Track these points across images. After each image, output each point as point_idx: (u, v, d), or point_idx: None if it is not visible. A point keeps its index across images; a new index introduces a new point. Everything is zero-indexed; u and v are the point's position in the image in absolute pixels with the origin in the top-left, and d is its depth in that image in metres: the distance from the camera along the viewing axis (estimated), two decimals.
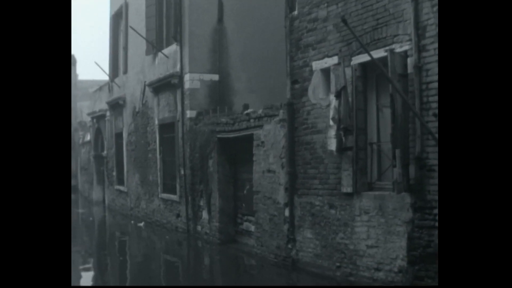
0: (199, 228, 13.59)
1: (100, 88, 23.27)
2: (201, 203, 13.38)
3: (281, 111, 10.44)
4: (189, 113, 13.89)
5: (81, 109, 35.16)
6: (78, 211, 22.26)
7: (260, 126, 10.99)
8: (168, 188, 15.52)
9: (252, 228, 12.06)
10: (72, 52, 50.02)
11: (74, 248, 14.53)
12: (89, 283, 10.68)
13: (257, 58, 14.56)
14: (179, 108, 14.36)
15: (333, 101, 8.80)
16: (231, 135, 12.14)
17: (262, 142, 10.90)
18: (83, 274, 11.32)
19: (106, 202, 22.06)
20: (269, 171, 10.68)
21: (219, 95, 14.22)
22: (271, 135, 10.63)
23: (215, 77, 14.18)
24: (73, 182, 34.43)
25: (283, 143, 10.25)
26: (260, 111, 11.16)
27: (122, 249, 14.50)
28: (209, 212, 12.97)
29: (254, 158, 11.16)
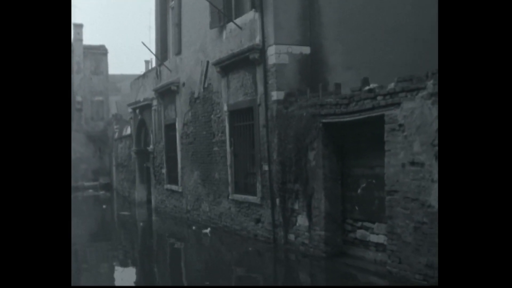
0: (291, 237, 10.88)
1: (144, 75, 20.69)
2: (296, 206, 10.66)
3: (429, 83, 7.71)
4: (276, 95, 11.18)
5: (116, 102, 32.89)
6: (122, 213, 19.64)
7: (396, 105, 8.25)
8: (242, 187, 12.84)
9: (371, 237, 9.49)
10: (103, 43, 47.76)
11: (121, 261, 12.08)
12: None
13: (355, 26, 11.89)
14: (260, 89, 11.65)
15: None
16: (345, 118, 9.40)
17: (400, 126, 8.16)
18: None
19: (153, 203, 19.42)
20: (413, 163, 7.95)
21: (311, 71, 11.50)
22: (416, 116, 7.89)
23: (306, 49, 11.48)
24: (106, 180, 32.21)
25: (437, 125, 7.49)
26: (391, 85, 8.43)
27: (188, 265, 11.83)
28: (309, 218, 10.25)
29: (387, 147, 8.42)
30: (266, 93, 11.42)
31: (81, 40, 34.89)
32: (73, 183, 32.72)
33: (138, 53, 73.44)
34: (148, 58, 59.20)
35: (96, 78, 35.61)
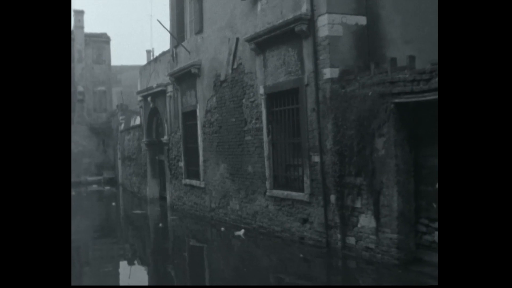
0: (351, 240, 9.20)
1: (156, 60, 18.89)
2: (358, 204, 8.97)
3: None
4: (329, 73, 9.47)
5: (121, 92, 31.11)
6: (135, 212, 17.86)
7: None
8: (282, 182, 11.14)
9: None
10: (105, 31, 45.89)
11: (149, 275, 10.41)
12: None
13: None
14: (308, 66, 9.94)
15: None
16: (426, 97, 7.69)
17: None
18: None
19: (169, 200, 17.67)
20: None
21: (368, 45, 9.80)
22: None
23: (362, 20, 9.79)
24: (110, 174, 30.49)
25: None
26: None
27: (225, 276, 10.08)
28: (377, 218, 8.56)
29: None
30: (317, 71, 9.70)
31: (82, 27, 32.97)
32: (76, 178, 30.97)
33: (138, 43, 71.42)
34: (149, 48, 57.29)
35: (98, 67, 33.70)
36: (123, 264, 10.79)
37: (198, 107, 14.81)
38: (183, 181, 16.18)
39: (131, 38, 74.67)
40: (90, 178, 31.32)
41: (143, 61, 38.76)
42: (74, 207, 20.80)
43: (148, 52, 36.93)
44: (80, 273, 10.05)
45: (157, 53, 29.33)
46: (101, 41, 33.97)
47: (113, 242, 13.38)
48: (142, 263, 10.90)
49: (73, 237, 13.39)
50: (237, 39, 12.41)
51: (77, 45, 32.46)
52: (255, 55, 11.60)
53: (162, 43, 65.45)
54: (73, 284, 8.51)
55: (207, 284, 9.07)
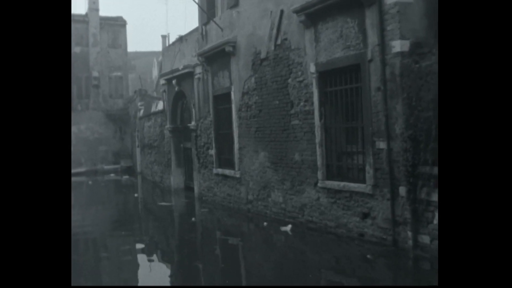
0: (424, 239, 7.98)
1: (182, 39, 17.66)
2: (434, 197, 7.73)
3: None
4: (399, 45, 8.22)
5: (140, 76, 29.93)
6: (162, 204, 16.67)
7: None
8: (336, 171, 9.91)
9: None
10: (120, 14, 44.62)
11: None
12: None
13: None
14: (372, 39, 8.68)
15: None
16: None
17: None
18: None
19: (196, 191, 16.48)
20: None
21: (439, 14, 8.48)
22: None
23: None
24: (128, 163, 29.47)
25: None
26: None
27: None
28: None
29: None
30: (383, 44, 8.44)
31: (97, 10, 31.72)
32: (92, 166, 30.01)
33: (153, 29, 69.94)
34: (165, 33, 55.99)
35: (113, 52, 32.43)
36: (161, 268, 9.64)
37: (232, 89, 13.57)
38: (214, 171, 14.99)
39: (146, 23, 73.36)
40: (107, 167, 30.28)
41: (158, 47, 37.47)
42: (93, 198, 19.81)
43: (164, 37, 35.75)
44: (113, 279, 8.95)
45: (172, 38, 28.07)
46: (117, 24, 32.69)
47: (144, 241, 12.12)
48: (180, 265, 9.71)
49: (96, 235, 12.35)
50: (282, 11, 11.14)
51: (91, 29, 31.27)
52: (305, 28, 10.34)
53: (177, 28, 64.12)
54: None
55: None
